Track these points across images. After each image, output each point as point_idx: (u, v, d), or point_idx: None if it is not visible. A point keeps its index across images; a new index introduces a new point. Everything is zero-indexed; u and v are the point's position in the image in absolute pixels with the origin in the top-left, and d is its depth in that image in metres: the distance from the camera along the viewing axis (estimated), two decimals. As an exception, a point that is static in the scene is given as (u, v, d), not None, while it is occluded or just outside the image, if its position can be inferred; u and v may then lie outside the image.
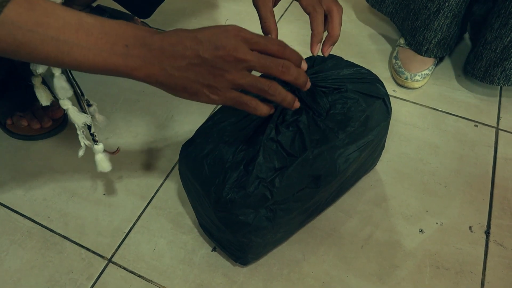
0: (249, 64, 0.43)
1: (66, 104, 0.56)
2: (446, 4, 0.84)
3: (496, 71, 0.85)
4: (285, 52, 0.45)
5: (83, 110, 0.60)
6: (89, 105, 0.61)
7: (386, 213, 0.74)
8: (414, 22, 0.91)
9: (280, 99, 0.46)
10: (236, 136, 0.58)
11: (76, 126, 0.59)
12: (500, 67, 0.84)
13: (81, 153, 0.61)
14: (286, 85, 0.51)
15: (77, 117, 0.57)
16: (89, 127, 0.60)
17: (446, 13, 0.85)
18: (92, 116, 0.60)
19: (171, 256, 0.70)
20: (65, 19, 0.40)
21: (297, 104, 0.48)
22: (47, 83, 0.58)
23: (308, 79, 0.48)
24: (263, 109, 0.47)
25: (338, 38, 0.54)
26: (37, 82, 0.56)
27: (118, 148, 0.66)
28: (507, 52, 0.82)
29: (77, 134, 0.60)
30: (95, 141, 0.61)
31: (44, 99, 0.58)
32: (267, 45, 0.44)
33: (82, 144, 0.60)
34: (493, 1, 0.86)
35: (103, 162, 0.63)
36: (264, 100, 0.47)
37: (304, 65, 0.48)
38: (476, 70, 0.89)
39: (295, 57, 0.46)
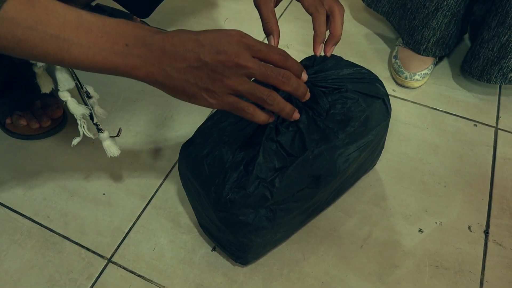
0: (249, 71, 0.42)
1: (65, 96, 0.56)
2: (445, 3, 0.84)
3: (493, 69, 0.85)
4: (286, 62, 0.45)
5: (84, 102, 0.60)
6: (89, 97, 0.61)
7: (386, 212, 0.74)
8: (411, 21, 0.91)
9: (278, 109, 0.46)
10: (236, 136, 0.58)
11: (76, 117, 0.59)
12: (497, 65, 0.84)
13: (74, 142, 0.61)
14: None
15: (76, 109, 0.58)
16: (91, 117, 0.60)
17: (444, 12, 0.85)
18: (92, 108, 0.60)
19: (171, 256, 0.70)
20: (65, 17, 0.40)
21: (296, 115, 0.48)
22: (50, 74, 0.58)
23: (308, 91, 0.48)
24: (261, 116, 0.46)
25: (340, 38, 0.54)
26: (39, 70, 0.56)
27: (119, 129, 0.66)
28: (504, 51, 0.82)
29: (78, 128, 0.60)
30: (99, 129, 0.61)
31: (45, 86, 0.58)
32: (269, 53, 0.44)
33: (80, 133, 0.60)
34: (492, 1, 0.86)
35: (111, 147, 0.63)
36: (264, 108, 0.46)
37: (305, 76, 0.47)
38: (473, 69, 0.89)
39: (296, 68, 0.46)
